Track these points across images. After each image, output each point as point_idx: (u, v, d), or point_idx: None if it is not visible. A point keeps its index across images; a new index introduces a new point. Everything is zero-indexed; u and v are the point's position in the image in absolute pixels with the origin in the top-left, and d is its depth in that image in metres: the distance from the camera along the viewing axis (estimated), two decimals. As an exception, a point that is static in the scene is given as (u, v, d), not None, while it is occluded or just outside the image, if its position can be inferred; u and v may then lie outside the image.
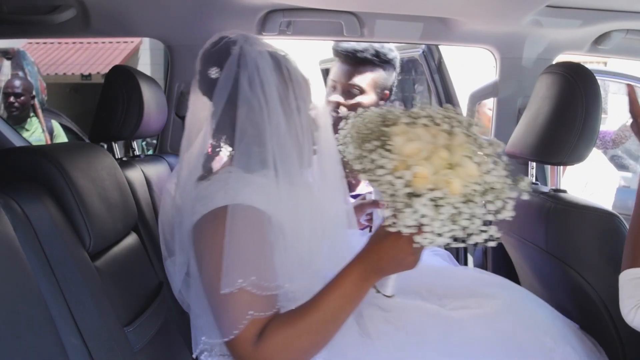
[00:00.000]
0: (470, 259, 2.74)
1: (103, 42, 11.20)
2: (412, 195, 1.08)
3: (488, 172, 1.12)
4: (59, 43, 11.33)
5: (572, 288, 1.66)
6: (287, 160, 1.34)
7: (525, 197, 1.16)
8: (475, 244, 1.12)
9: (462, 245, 1.13)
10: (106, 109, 1.88)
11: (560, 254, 1.68)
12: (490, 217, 1.11)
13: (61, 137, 4.40)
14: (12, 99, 4.09)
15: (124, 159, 1.99)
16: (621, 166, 4.19)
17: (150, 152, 2.76)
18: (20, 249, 1.01)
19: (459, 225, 1.08)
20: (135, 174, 1.78)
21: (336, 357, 1.35)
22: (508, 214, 1.12)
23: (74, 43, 11.35)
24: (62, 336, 1.06)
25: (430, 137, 1.14)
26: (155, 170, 2.01)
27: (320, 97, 1.45)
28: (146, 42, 11.27)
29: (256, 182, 1.32)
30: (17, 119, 4.10)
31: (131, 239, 1.52)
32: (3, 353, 0.89)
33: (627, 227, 1.59)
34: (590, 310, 1.62)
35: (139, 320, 1.33)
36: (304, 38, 2.42)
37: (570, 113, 1.67)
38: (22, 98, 4.12)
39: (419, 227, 1.10)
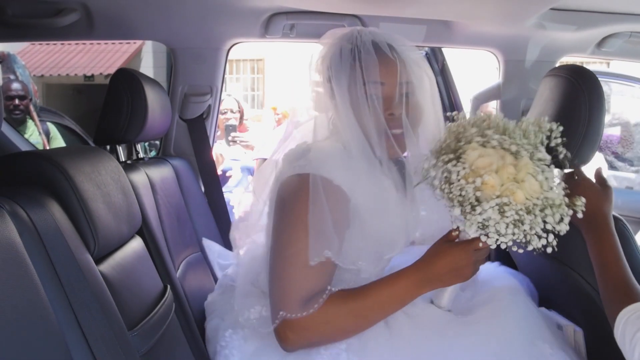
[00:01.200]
0: None
1: (106, 44, 11.23)
2: (480, 200, 1.25)
3: (550, 189, 1.30)
4: (62, 44, 11.37)
5: (576, 291, 1.65)
6: (358, 143, 1.46)
7: (579, 214, 1.32)
8: (534, 250, 1.27)
9: (520, 250, 1.29)
10: (110, 112, 1.88)
11: (565, 259, 1.67)
12: (549, 227, 1.27)
13: (58, 139, 4.39)
14: (17, 101, 4.08)
15: (128, 162, 1.99)
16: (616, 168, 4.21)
17: (153, 154, 2.76)
18: (25, 254, 1.01)
19: (520, 230, 1.25)
20: (139, 178, 1.79)
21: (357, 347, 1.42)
22: (564, 227, 1.30)
23: (76, 44, 11.38)
24: (68, 340, 1.06)
25: (499, 157, 1.30)
26: (160, 173, 2.01)
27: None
28: (149, 44, 11.31)
29: (336, 156, 1.45)
30: (16, 122, 4.10)
31: (135, 243, 1.51)
32: (7, 357, 0.89)
33: (630, 230, 1.59)
34: (593, 314, 1.60)
35: (144, 324, 1.33)
36: (307, 41, 2.43)
37: (573, 116, 1.66)
38: (25, 101, 4.13)
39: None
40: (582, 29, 2.24)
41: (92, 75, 11.45)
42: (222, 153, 3.73)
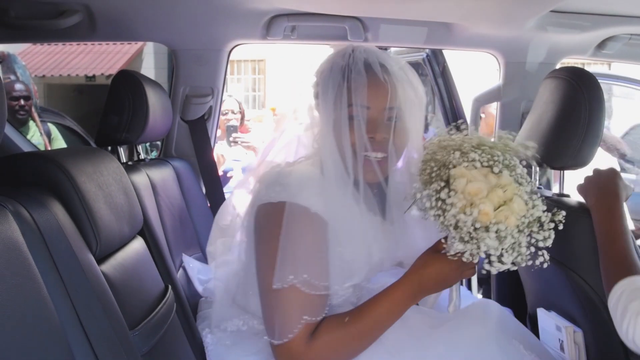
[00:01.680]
0: None
1: (107, 44, 11.24)
2: (478, 229, 1.26)
3: (534, 207, 1.32)
4: (63, 45, 11.37)
5: (577, 293, 1.66)
6: (334, 164, 1.45)
7: (560, 227, 1.35)
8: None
9: (514, 268, 1.30)
10: (112, 113, 1.89)
11: (564, 259, 1.67)
12: (541, 245, 1.32)
13: (59, 140, 4.38)
14: (22, 101, 4.09)
15: (129, 163, 2.00)
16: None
17: (154, 154, 2.77)
18: (28, 254, 1.01)
19: (518, 252, 1.29)
20: (140, 179, 1.79)
21: None
22: (550, 242, 1.33)
23: (78, 45, 11.39)
24: (70, 339, 1.06)
25: (483, 177, 1.32)
26: (161, 174, 2.02)
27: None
28: (150, 46, 11.32)
29: (311, 182, 1.43)
30: (18, 123, 4.10)
31: (137, 244, 1.52)
32: (9, 356, 0.90)
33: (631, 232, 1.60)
34: (594, 315, 1.61)
35: (145, 324, 1.34)
36: (308, 42, 2.44)
37: (573, 117, 1.67)
38: (29, 101, 4.14)
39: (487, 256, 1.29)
40: (582, 31, 2.25)
41: (94, 76, 11.47)
42: (224, 154, 3.73)
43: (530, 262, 1.32)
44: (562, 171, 1.84)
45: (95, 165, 1.40)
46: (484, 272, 1.32)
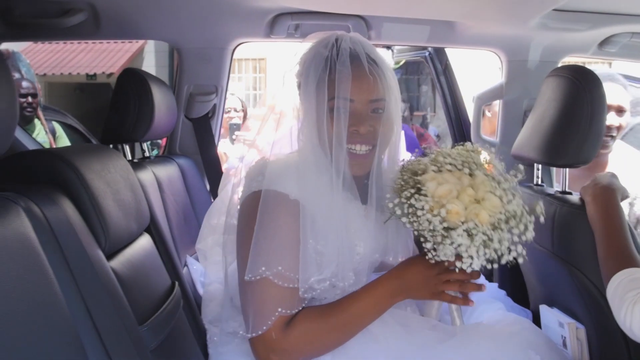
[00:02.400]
0: None
1: (108, 42, 11.24)
2: (449, 229, 1.28)
3: (509, 202, 1.33)
4: (64, 43, 11.36)
5: (579, 290, 1.66)
6: (316, 156, 1.42)
7: (542, 219, 1.37)
8: (506, 263, 1.30)
9: (495, 266, 1.31)
10: (118, 111, 1.91)
11: (567, 256, 1.69)
12: (516, 239, 1.32)
13: (63, 138, 4.38)
14: (29, 99, 4.08)
15: (135, 160, 2.01)
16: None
17: (155, 153, 2.78)
18: (40, 249, 1.03)
19: (490, 249, 1.28)
20: (146, 176, 1.81)
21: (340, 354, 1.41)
22: (530, 235, 1.34)
23: (79, 43, 11.39)
24: (81, 334, 1.07)
25: (456, 179, 1.34)
26: (166, 171, 2.03)
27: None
28: (151, 44, 11.32)
29: (295, 170, 1.40)
30: (24, 121, 4.09)
31: (144, 240, 1.53)
32: (22, 350, 0.91)
33: (634, 229, 1.61)
34: (596, 312, 1.62)
35: (154, 319, 1.35)
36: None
37: (576, 115, 1.69)
38: (36, 99, 4.14)
39: (457, 256, 1.30)
40: (584, 29, 2.25)
41: (95, 74, 11.45)
42: (226, 152, 3.74)
43: (509, 259, 1.32)
44: (564, 169, 1.84)
45: (103, 162, 1.41)
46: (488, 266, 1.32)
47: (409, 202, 1.32)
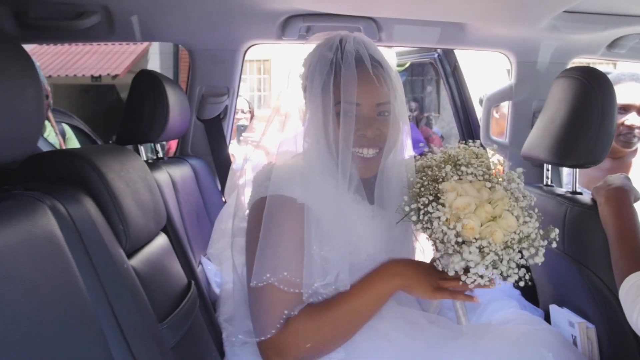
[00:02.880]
0: None
1: (112, 44, 11.25)
2: (462, 243, 1.28)
3: (525, 223, 1.32)
4: (69, 45, 11.37)
5: (590, 289, 1.67)
6: (322, 159, 1.42)
7: (554, 244, 1.36)
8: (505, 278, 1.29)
9: (500, 284, 1.32)
10: (133, 112, 1.93)
11: (577, 256, 1.69)
12: (523, 262, 1.30)
13: (73, 140, 4.40)
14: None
15: (150, 161, 2.03)
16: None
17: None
18: (65, 247, 1.05)
19: (498, 270, 1.28)
20: (162, 176, 1.83)
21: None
22: (539, 259, 1.33)
23: (84, 45, 11.39)
24: (105, 331, 1.09)
25: (475, 192, 1.34)
26: (180, 172, 2.05)
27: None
28: (155, 46, 11.31)
29: (300, 174, 1.39)
30: None
31: (161, 240, 1.55)
32: (50, 344, 0.92)
33: None
34: (607, 312, 1.62)
35: (173, 317, 1.37)
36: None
37: (586, 116, 1.69)
38: (48, 100, 4.15)
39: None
40: (593, 31, 2.26)
41: (100, 76, 11.45)
42: (234, 153, 3.75)
43: (512, 280, 1.30)
44: (575, 169, 1.85)
45: (122, 162, 1.43)
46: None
47: (425, 209, 1.32)
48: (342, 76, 1.37)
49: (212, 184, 2.45)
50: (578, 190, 1.86)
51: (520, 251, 1.31)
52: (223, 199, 2.55)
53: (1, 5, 2.10)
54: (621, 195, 1.58)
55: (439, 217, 1.29)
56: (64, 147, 4.10)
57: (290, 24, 2.33)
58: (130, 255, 1.32)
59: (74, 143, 4.36)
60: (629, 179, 1.68)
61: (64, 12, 2.18)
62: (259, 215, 1.37)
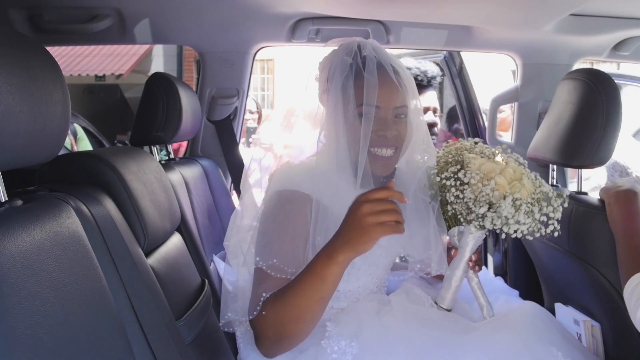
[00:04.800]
0: (490, 260, 2.77)
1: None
2: (492, 204, 1.43)
3: (540, 185, 1.52)
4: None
5: (595, 288, 1.68)
6: (341, 159, 1.48)
7: (566, 203, 1.52)
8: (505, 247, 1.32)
9: (530, 238, 1.48)
10: (147, 114, 1.95)
11: (582, 255, 1.71)
12: (551, 216, 1.49)
13: (84, 140, 4.46)
14: None
15: (162, 162, 2.05)
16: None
17: (163, 153, 2.81)
18: (89, 246, 1.08)
19: (532, 219, 1.45)
20: (175, 177, 1.85)
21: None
22: (559, 215, 1.50)
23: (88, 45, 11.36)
24: (126, 327, 1.13)
25: (493, 162, 1.50)
26: (192, 173, 2.07)
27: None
28: (159, 48, 11.31)
29: (307, 170, 1.47)
30: None
31: (176, 239, 1.59)
32: (76, 338, 0.95)
33: None
34: (613, 310, 1.64)
35: (189, 315, 1.41)
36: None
37: (591, 118, 1.71)
38: None
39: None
40: (599, 33, 2.27)
41: (104, 76, 11.46)
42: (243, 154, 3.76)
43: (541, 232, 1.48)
44: (580, 170, 1.87)
45: (139, 164, 1.47)
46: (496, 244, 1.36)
47: (456, 175, 1.46)
48: (364, 80, 1.44)
49: (221, 185, 2.47)
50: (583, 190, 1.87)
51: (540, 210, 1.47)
52: (233, 198, 2.57)
53: (16, 9, 2.13)
54: (631, 197, 1.60)
55: (470, 181, 1.43)
56: (75, 147, 4.20)
57: (299, 27, 2.35)
58: (148, 254, 1.36)
59: (85, 143, 4.44)
60: (638, 182, 1.69)
61: (77, 16, 2.21)
62: (267, 210, 1.45)
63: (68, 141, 4.12)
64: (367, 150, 1.46)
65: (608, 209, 1.62)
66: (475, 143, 1.60)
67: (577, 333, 1.77)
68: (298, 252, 1.39)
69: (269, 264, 1.38)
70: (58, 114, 0.98)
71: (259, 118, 4.00)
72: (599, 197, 1.71)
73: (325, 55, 1.55)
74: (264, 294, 1.36)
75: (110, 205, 1.25)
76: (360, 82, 1.45)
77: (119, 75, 11.25)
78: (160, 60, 11.72)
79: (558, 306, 1.90)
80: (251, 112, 3.92)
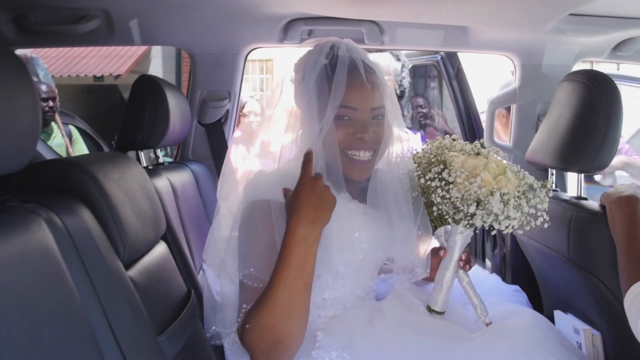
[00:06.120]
0: (488, 264, 2.74)
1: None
2: (480, 201, 1.41)
3: (524, 177, 1.51)
4: (72, 45, 11.33)
5: (595, 296, 1.66)
6: (319, 164, 1.41)
7: (550, 193, 1.50)
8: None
9: (519, 232, 1.47)
10: (133, 118, 1.91)
11: (583, 262, 1.68)
12: (539, 207, 1.48)
13: (79, 142, 4.43)
14: (50, 103, 4.11)
15: (150, 167, 2.01)
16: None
17: (162, 154, 2.78)
18: (61, 260, 1.03)
19: (521, 213, 1.44)
20: (162, 183, 1.81)
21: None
22: (546, 205, 1.48)
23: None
24: (101, 345, 1.07)
25: (474, 158, 1.48)
26: (180, 178, 2.03)
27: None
28: (158, 49, 11.32)
29: (279, 178, 1.41)
30: (44, 124, 4.13)
31: (160, 248, 1.54)
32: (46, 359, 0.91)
33: None
34: (614, 319, 1.61)
35: (171, 329, 1.35)
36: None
37: (591, 121, 1.68)
38: (55, 102, 4.17)
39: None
40: (599, 33, 2.24)
41: (102, 76, 11.46)
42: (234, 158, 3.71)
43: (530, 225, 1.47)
44: (580, 174, 1.84)
45: (121, 171, 1.42)
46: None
47: (440, 175, 1.44)
48: (337, 81, 1.40)
49: (212, 189, 2.42)
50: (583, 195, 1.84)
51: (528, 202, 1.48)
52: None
53: (0, 10, 2.08)
54: (633, 203, 1.56)
55: (455, 179, 1.41)
56: (70, 149, 4.18)
57: (292, 28, 2.30)
58: (128, 266, 1.30)
59: (80, 145, 4.41)
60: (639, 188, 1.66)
61: (64, 16, 2.15)
62: (242, 219, 1.41)
63: (63, 143, 4.11)
64: (343, 153, 1.44)
65: (609, 215, 1.58)
66: (454, 140, 1.58)
67: (577, 342, 1.75)
68: (274, 261, 1.32)
69: (246, 274, 1.35)
70: (27, 122, 0.93)
71: (263, 120, 3.92)
72: (600, 203, 1.68)
73: (300, 56, 1.51)
74: (244, 306, 1.33)
75: (87, 216, 1.19)
76: (335, 85, 1.41)
77: (118, 76, 11.24)
78: (159, 62, 11.71)
79: (557, 314, 1.88)
80: (256, 115, 3.83)
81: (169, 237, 1.70)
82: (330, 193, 1.31)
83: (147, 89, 1.91)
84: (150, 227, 1.46)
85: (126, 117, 1.93)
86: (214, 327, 1.52)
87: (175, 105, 1.98)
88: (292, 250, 1.27)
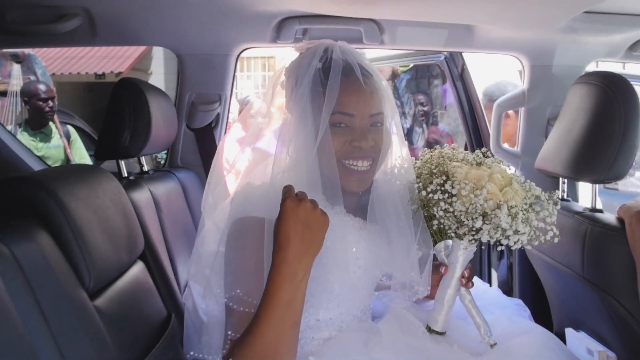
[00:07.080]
0: (494, 275, 2.70)
1: (115, 44, 11.24)
2: (486, 214, 1.32)
3: (530, 189, 1.41)
4: (73, 43, 11.38)
5: (611, 316, 1.58)
6: (312, 175, 1.34)
7: (558, 206, 1.41)
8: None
9: (529, 247, 1.37)
10: (113, 125, 1.82)
11: (598, 281, 1.60)
12: (547, 220, 1.38)
13: (78, 142, 4.43)
14: (50, 103, 4.10)
15: (131, 177, 1.90)
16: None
17: (162, 154, 2.71)
18: (7, 299, 0.92)
19: (530, 227, 1.34)
20: (142, 196, 1.71)
21: None
22: (554, 218, 1.38)
23: (84, 45, 11.40)
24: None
25: (477, 169, 1.39)
26: (164, 188, 1.93)
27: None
28: (160, 51, 11.31)
29: (264, 193, 1.30)
30: (40, 124, 4.13)
31: (137, 269, 1.43)
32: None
33: None
34: (630, 340, 1.55)
35: (149, 358, 1.26)
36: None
37: (607, 127, 1.61)
38: (55, 101, 4.17)
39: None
40: (614, 32, 2.15)
41: (104, 74, 11.51)
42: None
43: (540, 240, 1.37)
44: (595, 185, 1.75)
45: (91, 187, 1.30)
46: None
47: (442, 187, 1.34)
48: (331, 85, 1.32)
49: (202, 198, 2.32)
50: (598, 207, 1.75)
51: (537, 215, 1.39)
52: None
53: (-24, 10, 1.99)
54: None
55: (459, 191, 1.32)
56: (68, 150, 4.17)
57: (285, 27, 2.20)
58: (95, 295, 1.19)
59: (79, 145, 4.38)
60: None
61: (43, 15, 2.07)
62: (229, 236, 1.31)
63: (61, 144, 4.09)
64: (340, 163, 1.35)
65: (629, 230, 1.49)
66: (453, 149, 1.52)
67: (591, 364, 1.68)
68: (263, 282, 1.21)
69: (232, 295, 1.23)
70: None
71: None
72: (617, 216, 1.58)
73: (292, 60, 1.41)
74: (229, 332, 1.22)
75: (45, 242, 1.08)
76: (330, 91, 1.32)
77: (119, 74, 11.27)
78: (160, 64, 11.75)
79: (569, 332, 1.81)
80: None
81: (149, 256, 1.59)
82: (319, 214, 1.19)
83: (127, 94, 1.81)
84: (123, 247, 1.35)
85: (105, 124, 1.83)
86: (192, 352, 1.41)
87: (159, 110, 1.88)
88: (278, 289, 1.16)
